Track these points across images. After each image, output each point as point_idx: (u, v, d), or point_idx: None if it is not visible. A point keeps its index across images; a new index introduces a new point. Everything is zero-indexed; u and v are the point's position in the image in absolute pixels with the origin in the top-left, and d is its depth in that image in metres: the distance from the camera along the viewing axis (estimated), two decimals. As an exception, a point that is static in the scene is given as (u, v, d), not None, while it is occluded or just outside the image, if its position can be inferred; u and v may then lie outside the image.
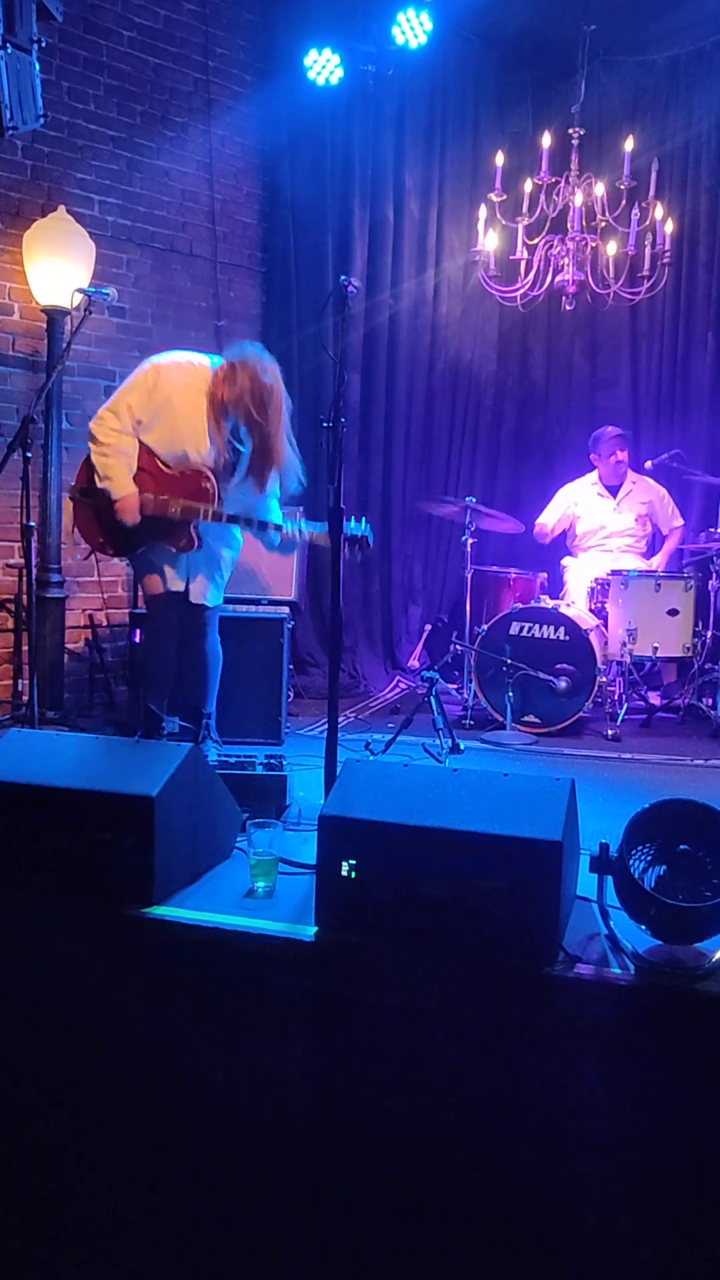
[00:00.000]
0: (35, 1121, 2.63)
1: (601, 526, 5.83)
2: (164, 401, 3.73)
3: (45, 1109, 2.62)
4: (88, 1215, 2.59)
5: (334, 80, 5.84)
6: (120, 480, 3.70)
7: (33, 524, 3.91)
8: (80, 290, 4.10)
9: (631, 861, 2.30)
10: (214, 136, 5.94)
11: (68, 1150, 2.60)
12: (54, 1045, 2.60)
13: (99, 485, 3.72)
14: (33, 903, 2.65)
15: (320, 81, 5.84)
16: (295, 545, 3.86)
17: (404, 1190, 2.33)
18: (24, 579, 4.76)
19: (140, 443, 3.75)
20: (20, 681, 5.10)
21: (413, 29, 5.64)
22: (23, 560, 4.31)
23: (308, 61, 5.80)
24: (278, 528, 3.78)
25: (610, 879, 2.37)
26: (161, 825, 2.58)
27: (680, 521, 5.87)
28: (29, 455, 3.85)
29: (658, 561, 5.80)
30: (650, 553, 5.89)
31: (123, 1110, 2.55)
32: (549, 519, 5.95)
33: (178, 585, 3.89)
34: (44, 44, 3.62)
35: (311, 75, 5.83)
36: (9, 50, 3.31)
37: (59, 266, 4.88)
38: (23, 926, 2.66)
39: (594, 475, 5.89)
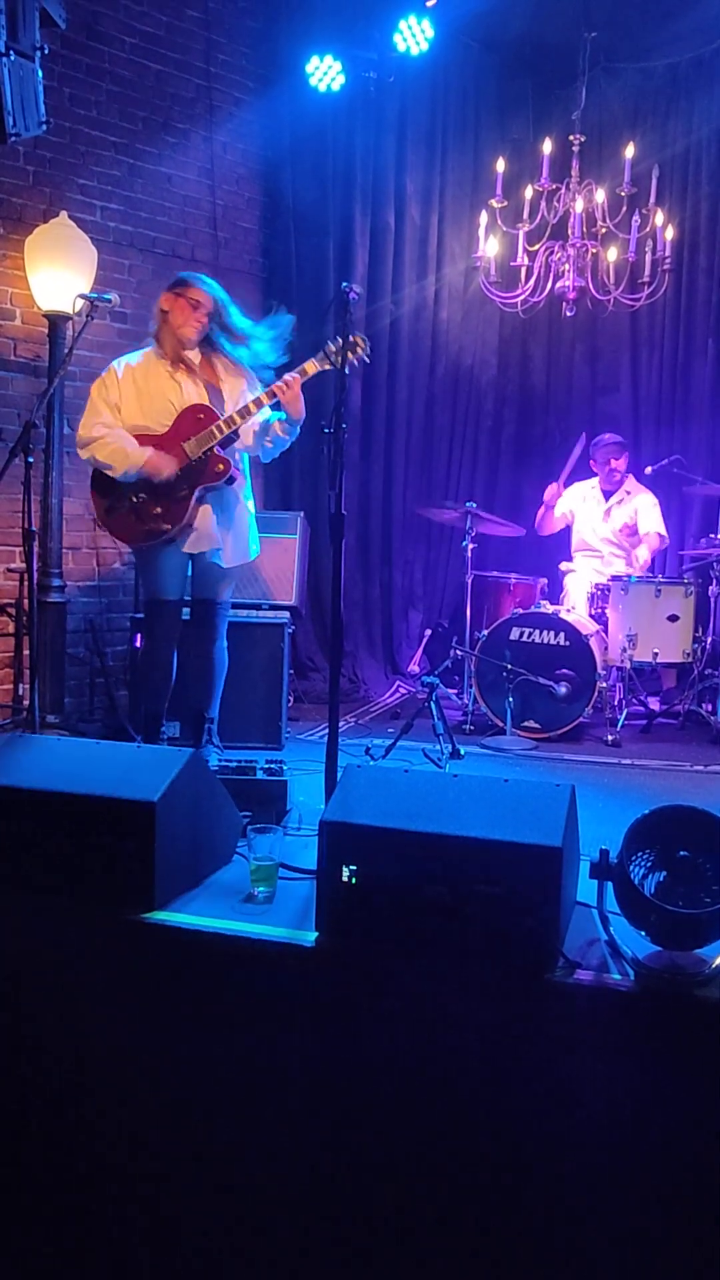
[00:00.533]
0: (36, 1125, 2.63)
1: (593, 531, 5.84)
2: (127, 375, 3.88)
3: (46, 1113, 2.62)
4: (86, 1217, 2.59)
5: (336, 87, 5.86)
6: (133, 453, 3.78)
7: (34, 529, 3.91)
8: (82, 296, 4.11)
9: (631, 867, 2.30)
10: (216, 142, 5.96)
11: (69, 1154, 2.60)
12: (55, 1049, 2.61)
13: (117, 475, 3.78)
14: (34, 907, 2.65)
15: (322, 88, 5.86)
16: (299, 408, 3.81)
17: (404, 1195, 2.33)
18: (25, 584, 4.76)
19: (139, 435, 3.83)
20: (21, 686, 5.10)
21: (414, 36, 5.66)
22: (24, 565, 4.32)
23: (310, 68, 5.82)
24: (270, 393, 3.79)
25: (610, 885, 2.38)
26: (162, 830, 2.58)
27: (660, 531, 5.79)
28: (30, 460, 3.86)
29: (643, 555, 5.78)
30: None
31: (123, 1114, 2.55)
32: (560, 508, 5.94)
33: (199, 548, 3.92)
34: (47, 51, 3.63)
35: (313, 82, 5.85)
36: (12, 57, 3.33)
37: (61, 272, 4.90)
38: (24, 931, 2.67)
39: (594, 480, 5.90)
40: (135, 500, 3.82)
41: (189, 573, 4.02)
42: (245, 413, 3.82)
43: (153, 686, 4.11)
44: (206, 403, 3.87)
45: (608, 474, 5.80)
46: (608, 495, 5.84)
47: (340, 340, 3.54)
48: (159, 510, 3.84)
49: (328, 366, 3.70)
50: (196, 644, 4.07)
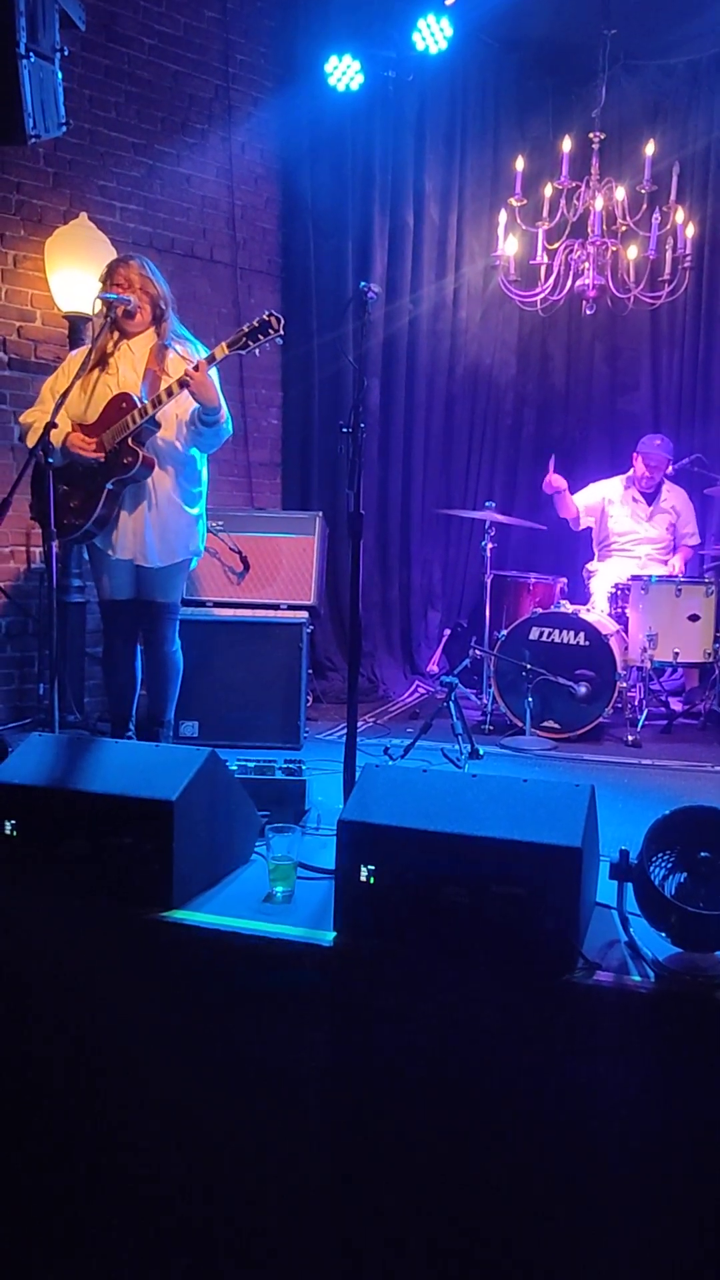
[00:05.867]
0: (52, 1121, 2.64)
1: (631, 532, 5.80)
2: (75, 365, 3.93)
3: (62, 1110, 2.63)
4: (97, 1217, 2.60)
5: (354, 86, 5.85)
6: (55, 432, 3.73)
7: (55, 529, 3.92)
8: (101, 297, 4.11)
9: (652, 868, 2.29)
10: (234, 143, 5.97)
11: (83, 1151, 2.61)
12: (72, 1046, 2.61)
13: (50, 455, 3.70)
14: (53, 905, 2.66)
15: (340, 88, 5.86)
16: (208, 394, 3.73)
17: (421, 1196, 2.32)
18: (45, 583, 4.77)
19: (75, 424, 3.87)
20: (41, 685, 5.12)
21: (433, 35, 5.65)
22: (44, 565, 4.33)
23: (328, 68, 5.82)
24: (179, 383, 3.71)
25: (630, 886, 2.36)
26: (181, 829, 2.58)
27: (696, 540, 5.83)
28: (52, 460, 3.86)
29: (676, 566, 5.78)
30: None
31: (140, 1112, 2.55)
32: (579, 499, 5.89)
33: (125, 564, 3.95)
34: (66, 52, 3.63)
35: (332, 81, 5.84)
36: (32, 59, 3.33)
37: (80, 273, 4.91)
38: (42, 928, 2.67)
39: (624, 479, 5.84)
40: (58, 493, 3.78)
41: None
42: (157, 401, 3.75)
43: (111, 688, 4.18)
44: (136, 392, 3.83)
45: (651, 476, 5.74)
46: (650, 498, 5.79)
47: (252, 323, 3.57)
48: (75, 504, 3.87)
49: (242, 350, 3.66)
50: (145, 648, 4.11)
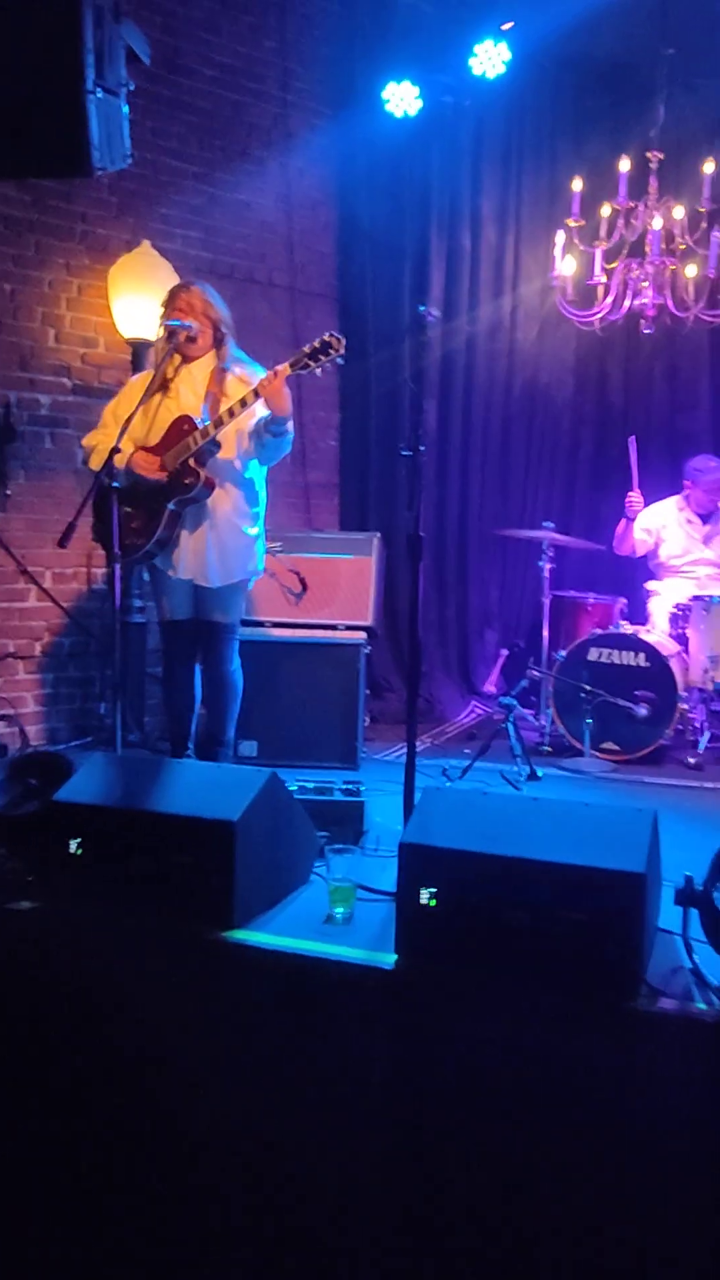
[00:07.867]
0: (111, 1140, 2.66)
1: (686, 552, 5.73)
2: (137, 389, 4.02)
3: (122, 1128, 2.65)
4: (156, 1229, 2.61)
5: (411, 112, 5.89)
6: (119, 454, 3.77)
7: (119, 551, 3.99)
8: (165, 323, 4.19)
9: (717, 894, 2.26)
10: (292, 169, 6.04)
11: (141, 1167, 2.63)
12: (133, 1065, 2.64)
13: (114, 478, 3.74)
14: (116, 924, 2.69)
15: (398, 113, 5.90)
16: (281, 403, 3.73)
17: (481, 1222, 2.31)
18: (107, 604, 4.85)
19: (138, 447, 3.94)
20: (102, 705, 5.19)
21: (490, 60, 5.67)
22: (106, 586, 4.40)
23: (386, 94, 5.87)
24: (254, 392, 3.73)
25: (695, 912, 2.34)
26: (242, 850, 2.60)
27: None
28: (117, 485, 3.93)
29: None
30: None
31: (200, 1132, 2.57)
32: (638, 529, 5.83)
33: (183, 596, 4.04)
34: (132, 87, 3.71)
35: (389, 108, 5.89)
36: (100, 94, 3.41)
37: (143, 299, 4.99)
38: (105, 947, 2.70)
39: (679, 500, 5.79)
40: (121, 514, 3.81)
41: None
42: (218, 422, 3.80)
43: (170, 709, 4.24)
44: (197, 415, 3.89)
45: (712, 499, 5.68)
46: (705, 518, 5.73)
47: (314, 343, 3.61)
48: (136, 525, 3.92)
49: (303, 370, 3.69)
50: (204, 668, 4.15)
